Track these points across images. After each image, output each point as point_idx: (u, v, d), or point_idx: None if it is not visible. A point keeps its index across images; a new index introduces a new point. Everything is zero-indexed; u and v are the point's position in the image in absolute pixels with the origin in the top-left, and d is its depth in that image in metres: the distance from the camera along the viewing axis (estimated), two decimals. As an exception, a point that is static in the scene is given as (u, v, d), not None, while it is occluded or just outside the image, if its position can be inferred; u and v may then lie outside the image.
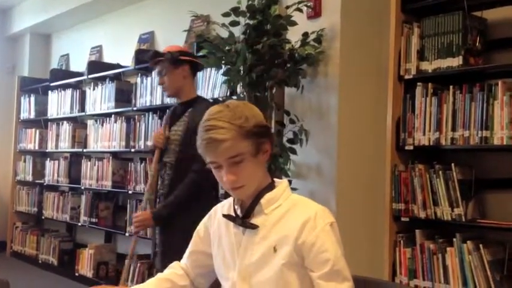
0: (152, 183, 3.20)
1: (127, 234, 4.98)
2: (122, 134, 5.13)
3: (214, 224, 1.68)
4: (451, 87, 2.74)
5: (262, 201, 1.55)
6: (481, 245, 2.59)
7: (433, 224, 2.84)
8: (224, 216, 1.61)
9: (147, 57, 3.18)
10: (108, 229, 5.51)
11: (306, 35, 3.23)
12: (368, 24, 3.34)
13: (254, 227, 1.54)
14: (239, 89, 3.41)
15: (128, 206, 5.09)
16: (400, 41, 2.95)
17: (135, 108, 5.06)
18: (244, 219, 1.56)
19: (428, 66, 2.87)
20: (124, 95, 5.27)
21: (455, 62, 2.76)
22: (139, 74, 5.03)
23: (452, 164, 2.71)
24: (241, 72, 3.19)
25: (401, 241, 2.88)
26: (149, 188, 3.18)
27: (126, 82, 5.41)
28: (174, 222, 2.92)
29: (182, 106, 3.10)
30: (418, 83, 2.87)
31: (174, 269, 1.76)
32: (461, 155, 2.88)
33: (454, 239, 2.68)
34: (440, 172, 2.75)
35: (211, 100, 3.48)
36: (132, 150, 5.04)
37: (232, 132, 1.45)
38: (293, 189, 2.10)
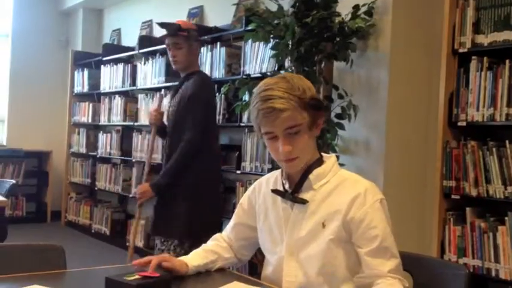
0: (148, 159, 3.57)
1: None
2: (172, 108, 5.19)
3: (260, 198, 1.68)
4: (507, 61, 2.65)
5: (311, 176, 1.55)
6: (534, 225, 2.53)
7: (484, 202, 2.78)
8: (273, 191, 1.62)
9: (172, 30, 3.23)
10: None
11: (356, 7, 3.17)
12: (421, -4, 3.24)
13: (304, 201, 1.54)
14: (287, 63, 3.39)
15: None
16: (454, 13, 2.86)
17: (184, 83, 5.10)
18: (293, 194, 1.57)
19: (484, 40, 2.77)
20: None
21: (512, 35, 2.66)
22: (189, 49, 5.06)
23: (507, 141, 2.63)
24: (290, 46, 3.17)
25: (451, 219, 2.84)
26: (147, 163, 3.56)
27: (176, 57, 5.45)
28: (175, 189, 3.12)
29: (183, 79, 3.29)
30: (473, 57, 2.79)
31: (218, 242, 1.78)
32: (516, 131, 2.79)
33: (506, 218, 2.62)
34: (494, 149, 2.68)
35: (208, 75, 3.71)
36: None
37: (292, 103, 1.45)
38: (340, 164, 2.08)
